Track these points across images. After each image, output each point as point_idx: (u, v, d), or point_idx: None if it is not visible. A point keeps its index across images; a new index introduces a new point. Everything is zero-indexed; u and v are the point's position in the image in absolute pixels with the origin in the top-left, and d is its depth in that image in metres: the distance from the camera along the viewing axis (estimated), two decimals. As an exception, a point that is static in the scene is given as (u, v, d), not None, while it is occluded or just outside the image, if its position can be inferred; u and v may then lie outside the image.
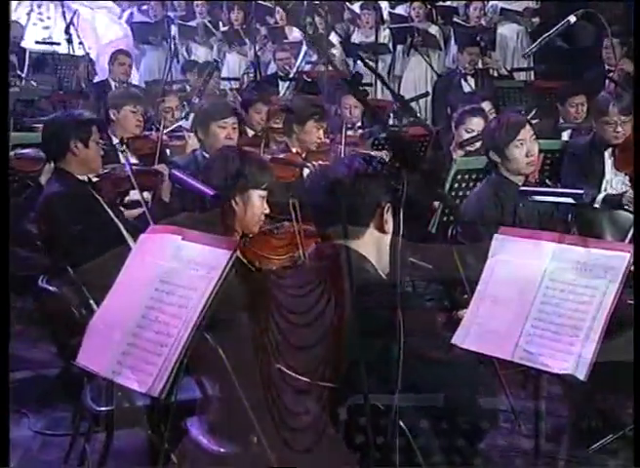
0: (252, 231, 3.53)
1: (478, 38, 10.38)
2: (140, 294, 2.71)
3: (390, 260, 2.83)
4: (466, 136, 5.71)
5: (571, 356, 3.11)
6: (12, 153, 5.42)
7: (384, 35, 11.67)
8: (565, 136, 6.88)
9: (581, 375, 3.09)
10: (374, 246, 2.63)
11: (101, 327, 2.77)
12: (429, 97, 10.27)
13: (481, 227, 4.56)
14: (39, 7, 13.37)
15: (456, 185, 5.20)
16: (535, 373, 3.37)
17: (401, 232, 2.43)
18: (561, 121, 7.26)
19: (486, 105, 6.78)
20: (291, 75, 10.74)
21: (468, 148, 5.63)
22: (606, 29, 7.11)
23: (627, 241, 4.29)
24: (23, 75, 10.45)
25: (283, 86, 10.76)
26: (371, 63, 9.41)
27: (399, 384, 2.28)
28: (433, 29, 11.52)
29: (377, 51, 11.12)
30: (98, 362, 2.71)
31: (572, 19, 5.75)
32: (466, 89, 9.51)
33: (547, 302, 3.23)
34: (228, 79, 10.65)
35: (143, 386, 2.54)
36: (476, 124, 5.69)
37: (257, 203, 3.52)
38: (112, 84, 9.27)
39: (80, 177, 4.61)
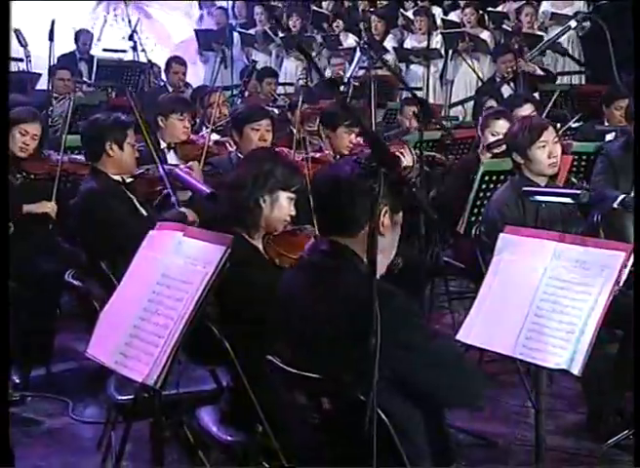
0: (277, 230, 3.55)
1: (516, 43, 10.29)
2: (144, 288, 2.77)
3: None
4: (492, 138, 5.68)
5: (565, 351, 3.11)
6: (66, 157, 5.57)
7: (437, 41, 11.65)
8: (609, 138, 6.79)
9: (575, 370, 3.08)
10: (365, 244, 2.63)
11: (109, 319, 2.84)
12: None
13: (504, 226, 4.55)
14: (114, 10, 13.65)
15: (483, 186, 5.20)
16: (534, 368, 3.33)
17: (375, 232, 2.40)
18: (606, 124, 7.16)
19: (528, 108, 6.74)
20: (345, 80, 10.79)
21: (495, 151, 5.61)
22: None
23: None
24: (90, 81, 10.61)
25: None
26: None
27: (376, 374, 2.29)
28: (484, 35, 11.44)
29: (428, 56, 11.14)
30: (104, 352, 2.79)
31: (572, 24, 5.69)
32: (506, 94, 9.44)
33: (546, 300, 3.22)
34: (283, 84, 10.73)
35: (141, 375, 2.61)
36: (501, 126, 5.65)
37: (284, 204, 3.53)
38: (170, 89, 9.41)
39: (114, 177, 4.71)
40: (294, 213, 3.62)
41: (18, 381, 5.05)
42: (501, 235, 3.48)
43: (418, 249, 5.18)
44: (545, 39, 10.63)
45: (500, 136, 5.49)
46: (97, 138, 4.73)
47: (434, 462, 2.59)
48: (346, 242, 2.60)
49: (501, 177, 5.15)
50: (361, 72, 11.16)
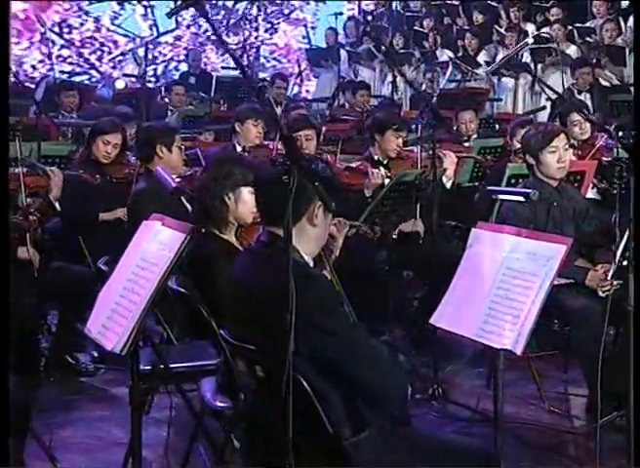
0: (246, 222, 3.75)
1: (594, 57, 10.19)
2: (127, 270, 3.03)
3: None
4: (518, 145, 5.72)
5: (512, 333, 3.23)
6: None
7: (527, 55, 11.61)
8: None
9: (518, 351, 3.20)
10: (302, 235, 2.77)
11: (102, 297, 3.10)
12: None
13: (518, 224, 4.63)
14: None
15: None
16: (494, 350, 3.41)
17: (290, 222, 2.53)
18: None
19: (581, 116, 6.73)
20: (437, 92, 10.91)
21: (522, 156, 5.65)
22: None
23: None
24: (201, 95, 11.01)
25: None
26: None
27: (292, 345, 2.46)
28: (571, 49, 11.34)
29: (519, 69, 11.15)
30: (94, 326, 3.05)
31: (529, 40, 5.67)
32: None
33: (501, 287, 3.34)
34: (376, 96, 10.89)
35: (111, 344, 2.87)
36: (526, 135, 5.69)
37: (247, 198, 3.70)
38: (272, 101, 9.72)
39: (165, 177, 4.99)
40: None
41: (96, 355, 5.37)
42: (473, 230, 3.61)
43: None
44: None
45: None
46: (148, 142, 5.03)
47: (352, 427, 2.69)
48: (282, 233, 2.77)
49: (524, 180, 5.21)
50: (452, 85, 11.32)
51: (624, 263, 4.25)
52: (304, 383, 2.57)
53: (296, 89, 13.44)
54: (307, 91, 12.92)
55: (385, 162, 5.76)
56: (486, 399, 4.82)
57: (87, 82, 12.51)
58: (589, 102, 9.43)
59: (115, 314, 2.94)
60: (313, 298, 2.61)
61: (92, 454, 4.20)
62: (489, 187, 4.43)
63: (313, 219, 2.78)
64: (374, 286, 5.03)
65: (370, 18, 13.65)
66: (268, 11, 13.53)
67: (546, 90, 9.01)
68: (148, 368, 3.79)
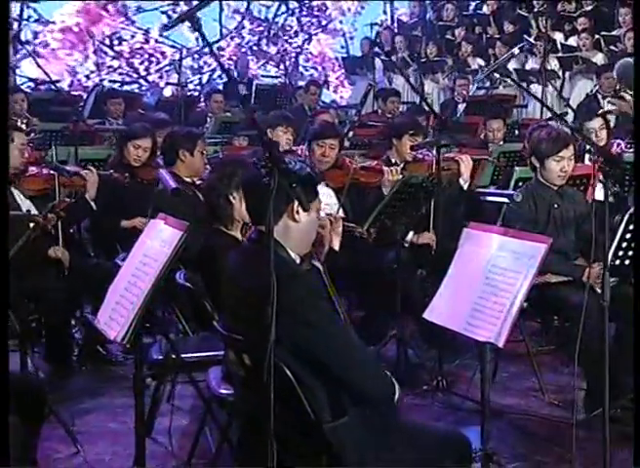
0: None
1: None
2: (133, 265, 3.14)
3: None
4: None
5: (495, 327, 3.28)
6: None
7: (555, 63, 11.58)
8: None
9: (500, 343, 3.25)
10: (287, 233, 2.83)
11: (110, 291, 3.21)
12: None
13: (520, 223, 4.66)
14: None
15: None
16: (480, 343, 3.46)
17: (271, 220, 2.61)
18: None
19: (597, 122, 6.72)
20: (466, 99, 10.93)
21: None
22: None
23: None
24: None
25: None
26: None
27: (273, 334, 2.53)
28: (598, 57, 11.30)
29: (547, 77, 11.11)
30: (102, 318, 3.16)
31: (515, 51, 5.65)
32: (606, 108, 9.33)
33: (488, 284, 3.39)
34: (404, 103, 10.93)
35: (115, 334, 2.98)
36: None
37: None
38: (306, 107, 9.82)
39: (186, 179, 5.11)
40: None
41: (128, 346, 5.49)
42: (464, 229, 3.66)
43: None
44: None
45: None
46: (172, 147, 5.16)
47: (332, 413, 2.76)
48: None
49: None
50: (482, 91, 11.32)
51: (617, 262, 4.29)
52: (286, 370, 2.65)
53: (335, 95, 13.56)
54: (342, 97, 12.98)
55: (402, 165, 5.80)
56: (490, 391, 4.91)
57: (137, 90, 12.72)
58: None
59: (119, 306, 3.05)
60: (295, 293, 2.67)
61: (113, 439, 4.31)
62: (478, 189, 4.45)
63: (295, 217, 2.83)
64: (383, 284, 5.07)
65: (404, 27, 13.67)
66: (304, 20, 13.63)
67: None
68: (161, 357, 3.91)
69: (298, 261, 2.91)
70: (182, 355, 3.84)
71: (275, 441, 2.58)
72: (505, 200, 4.16)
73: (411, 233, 5.37)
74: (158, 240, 3.09)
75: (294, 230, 2.86)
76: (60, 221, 4.97)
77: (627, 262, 4.24)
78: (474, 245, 3.58)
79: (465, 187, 5.76)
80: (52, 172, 5.26)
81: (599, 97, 9.91)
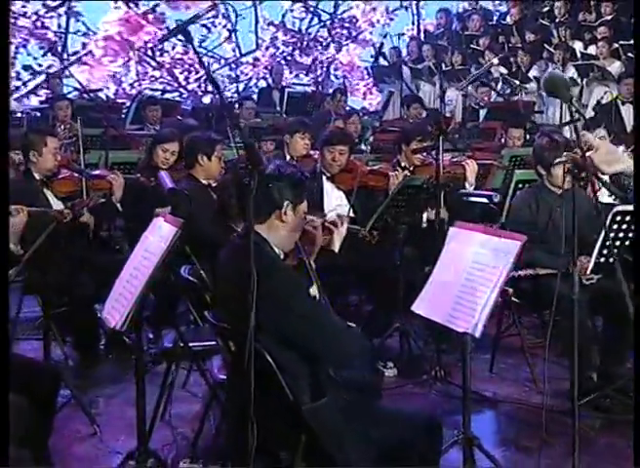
0: None
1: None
2: (135, 259, 3.28)
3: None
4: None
5: (472, 319, 3.36)
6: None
7: (574, 70, 11.55)
8: None
9: (477, 333, 3.35)
10: (273, 231, 2.97)
11: (116, 285, 3.34)
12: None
13: (521, 224, 4.72)
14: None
15: (517, 193, 5.36)
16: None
17: (252, 218, 2.72)
18: None
19: (599, 132, 6.76)
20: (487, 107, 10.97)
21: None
22: None
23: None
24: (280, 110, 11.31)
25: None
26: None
27: (253, 320, 2.64)
28: (615, 65, 11.26)
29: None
30: (107, 308, 3.30)
31: (495, 61, 5.67)
32: (624, 114, 9.34)
33: (469, 279, 3.49)
34: (427, 109, 10.96)
35: (114, 322, 3.11)
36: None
37: None
38: (333, 114, 9.91)
39: (203, 182, 5.24)
40: None
41: (150, 336, 5.62)
42: (450, 228, 3.75)
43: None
44: None
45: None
46: (191, 151, 5.29)
47: (312, 395, 2.87)
48: (257, 228, 2.97)
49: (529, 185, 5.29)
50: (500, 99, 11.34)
51: (602, 260, 4.34)
52: (267, 355, 2.76)
53: (364, 102, 13.66)
54: (370, 104, 13.07)
55: (411, 168, 5.88)
56: (486, 381, 4.99)
57: (177, 98, 12.92)
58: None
59: (121, 297, 3.18)
60: (277, 284, 2.80)
61: (130, 422, 4.43)
62: (461, 191, 4.53)
63: (282, 217, 2.96)
64: (387, 280, 5.16)
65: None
66: (335, 32, 13.75)
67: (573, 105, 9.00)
68: (170, 346, 4.05)
69: (282, 256, 3.03)
70: (191, 344, 3.97)
71: (257, 423, 2.70)
72: (485, 200, 4.22)
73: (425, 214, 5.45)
74: (157, 236, 3.22)
75: (280, 229, 2.99)
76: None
77: (611, 260, 4.30)
78: (458, 242, 3.67)
79: (471, 190, 5.84)
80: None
81: (619, 102, 9.91)
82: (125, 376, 5.08)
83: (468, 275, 3.49)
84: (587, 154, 2.57)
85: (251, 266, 2.66)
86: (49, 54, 12.53)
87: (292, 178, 2.97)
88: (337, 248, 3.47)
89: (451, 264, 3.64)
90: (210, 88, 12.33)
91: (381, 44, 11.51)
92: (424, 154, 5.81)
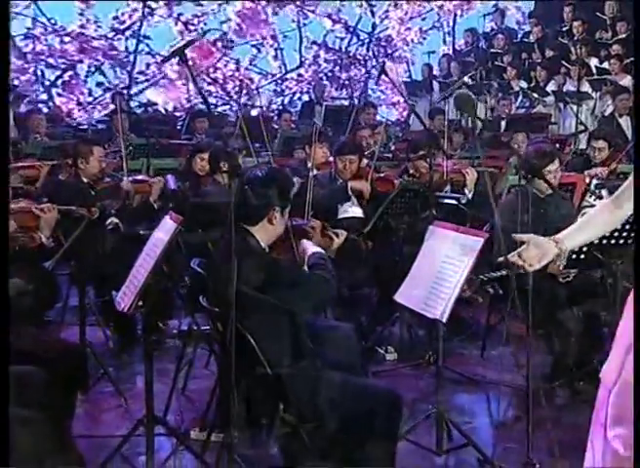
0: None
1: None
2: (145, 252, 3.46)
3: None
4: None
5: (441, 306, 3.48)
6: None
7: (587, 85, 11.50)
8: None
9: (444, 319, 3.46)
10: (263, 230, 3.20)
11: (131, 273, 3.53)
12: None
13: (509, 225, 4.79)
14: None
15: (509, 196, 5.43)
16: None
17: (232, 220, 2.91)
18: None
19: (601, 144, 6.78)
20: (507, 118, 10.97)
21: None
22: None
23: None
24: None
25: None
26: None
27: (234, 310, 2.81)
28: (626, 79, 11.17)
29: (580, 97, 11.06)
30: (119, 294, 3.48)
31: (467, 80, 5.70)
32: (623, 126, 9.30)
33: (440, 272, 3.60)
34: (450, 121, 11.01)
35: (122, 306, 3.30)
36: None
37: None
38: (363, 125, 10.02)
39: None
40: None
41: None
42: (429, 227, 3.87)
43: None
44: None
45: None
46: (214, 159, 5.50)
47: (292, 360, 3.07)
48: (250, 228, 3.17)
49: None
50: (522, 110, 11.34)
51: (574, 256, 4.41)
52: (244, 331, 2.93)
53: (397, 114, 13.76)
54: (403, 116, 13.15)
55: (418, 175, 5.98)
56: (478, 366, 5.09)
57: (228, 112, 13.16)
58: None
59: (131, 284, 3.37)
60: (260, 269, 3.01)
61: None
62: (436, 193, 4.63)
63: (272, 220, 3.18)
64: (388, 275, 5.26)
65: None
66: (372, 50, 13.91)
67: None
68: (185, 329, 4.23)
69: (267, 250, 3.21)
70: (203, 327, 4.16)
71: (240, 393, 2.87)
72: (454, 202, 4.33)
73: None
74: (163, 231, 3.40)
75: (268, 229, 3.21)
76: (127, 220, 5.43)
77: (582, 256, 4.38)
78: (435, 239, 3.79)
79: (470, 196, 5.92)
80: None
81: (616, 115, 9.87)
82: (156, 357, 5.30)
83: (440, 268, 3.61)
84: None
85: (232, 255, 2.83)
86: (118, 72, 12.87)
87: (281, 186, 3.16)
88: (333, 254, 3.71)
89: (427, 259, 3.76)
90: (258, 102, 12.52)
91: (384, 63, 11.64)
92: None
